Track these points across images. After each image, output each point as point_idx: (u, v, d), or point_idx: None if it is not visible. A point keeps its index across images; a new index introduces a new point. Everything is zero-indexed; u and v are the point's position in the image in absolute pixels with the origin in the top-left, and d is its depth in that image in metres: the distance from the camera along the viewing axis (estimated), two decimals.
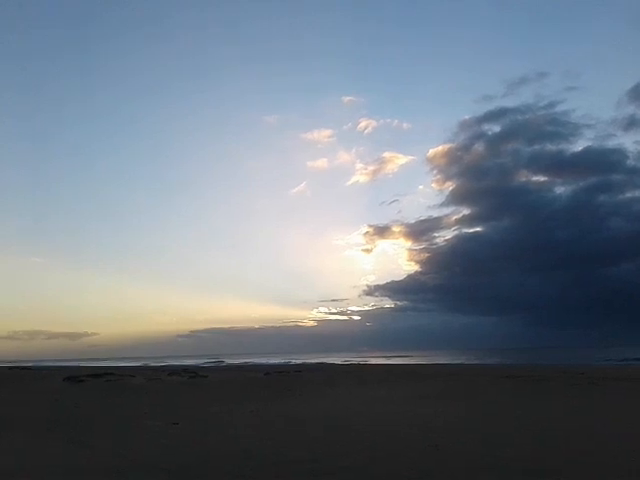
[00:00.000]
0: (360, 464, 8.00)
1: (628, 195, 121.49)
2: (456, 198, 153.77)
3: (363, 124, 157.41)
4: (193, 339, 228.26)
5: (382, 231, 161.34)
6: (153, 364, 73.70)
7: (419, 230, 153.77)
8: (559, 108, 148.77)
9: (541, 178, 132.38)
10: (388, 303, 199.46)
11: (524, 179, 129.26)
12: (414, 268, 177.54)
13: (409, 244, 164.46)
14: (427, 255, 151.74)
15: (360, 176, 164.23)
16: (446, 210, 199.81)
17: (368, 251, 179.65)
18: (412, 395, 19.29)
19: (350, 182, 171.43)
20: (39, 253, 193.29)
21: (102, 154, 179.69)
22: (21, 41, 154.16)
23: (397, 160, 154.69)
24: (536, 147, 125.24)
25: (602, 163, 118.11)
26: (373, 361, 70.79)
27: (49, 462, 8.51)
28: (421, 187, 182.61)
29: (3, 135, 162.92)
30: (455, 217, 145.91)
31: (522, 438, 10.01)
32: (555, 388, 21.20)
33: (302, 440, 10.21)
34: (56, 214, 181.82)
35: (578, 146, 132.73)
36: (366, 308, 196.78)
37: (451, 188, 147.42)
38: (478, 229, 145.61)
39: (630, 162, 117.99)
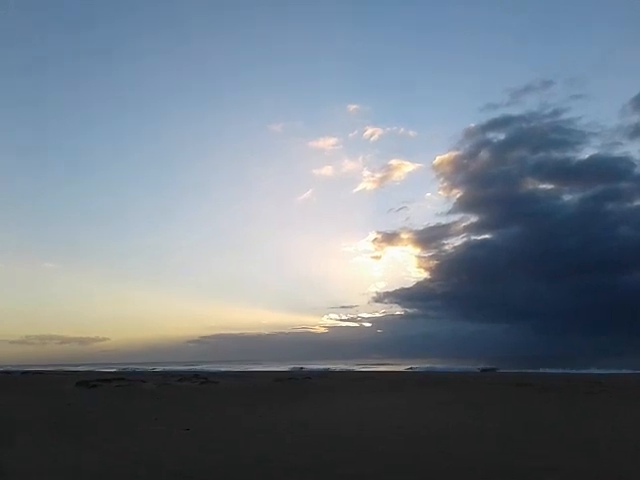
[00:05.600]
0: (367, 473, 7.99)
1: (636, 203, 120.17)
2: (463, 205, 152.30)
3: (369, 132, 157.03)
4: (203, 345, 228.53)
5: (391, 238, 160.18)
6: (164, 369, 74.02)
7: (428, 237, 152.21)
8: (564, 116, 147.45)
9: (548, 186, 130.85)
10: (398, 310, 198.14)
11: (531, 187, 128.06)
12: (423, 275, 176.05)
13: (418, 251, 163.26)
14: (436, 262, 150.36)
15: (367, 183, 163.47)
16: (454, 217, 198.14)
17: (377, 258, 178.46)
18: (422, 403, 19.20)
19: (357, 189, 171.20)
20: (51, 259, 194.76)
21: (111, 159, 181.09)
22: (22, 47, 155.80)
23: (404, 167, 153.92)
24: (542, 155, 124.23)
25: (609, 171, 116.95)
26: (384, 368, 70.44)
27: (59, 466, 8.60)
28: (429, 194, 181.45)
29: (13, 142, 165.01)
30: (463, 224, 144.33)
31: (528, 446, 9.94)
32: (569, 396, 20.96)
33: (312, 448, 10.18)
34: (67, 220, 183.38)
35: (584, 154, 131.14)
36: (376, 315, 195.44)
37: (458, 195, 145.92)
38: (486, 236, 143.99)
39: (637, 170, 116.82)
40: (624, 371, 46.06)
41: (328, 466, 8.32)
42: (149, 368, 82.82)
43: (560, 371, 48.76)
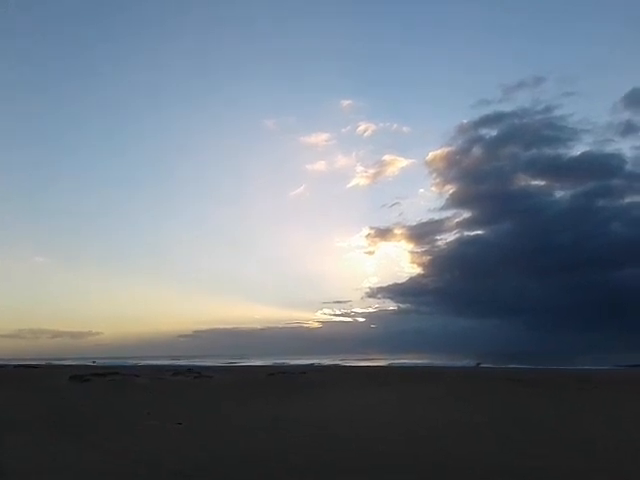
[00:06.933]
0: (367, 473, 8.04)
1: (627, 200, 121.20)
2: (456, 201, 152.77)
3: (362, 127, 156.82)
4: (195, 339, 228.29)
5: (384, 233, 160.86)
6: (157, 363, 73.74)
7: (421, 233, 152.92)
8: (556, 113, 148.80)
9: (540, 182, 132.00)
10: (391, 305, 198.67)
11: (523, 183, 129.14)
12: (416, 271, 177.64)
13: (411, 246, 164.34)
14: (429, 258, 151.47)
15: (360, 179, 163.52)
16: (447, 213, 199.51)
17: (370, 253, 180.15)
18: (417, 398, 19.28)
19: (350, 185, 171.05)
20: (43, 253, 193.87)
21: (104, 155, 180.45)
22: (23, 40, 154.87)
23: (397, 163, 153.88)
24: (534, 151, 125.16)
25: (601, 168, 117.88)
26: (378, 363, 70.66)
27: (55, 464, 8.58)
28: (422, 190, 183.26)
29: (5, 136, 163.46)
30: (456, 220, 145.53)
31: (527, 446, 10.02)
32: (561, 392, 21.13)
33: (311, 447, 10.22)
34: (59, 214, 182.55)
35: (576, 151, 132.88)
36: (370, 310, 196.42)
37: (451, 191, 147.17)
38: (479, 232, 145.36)
39: (629, 167, 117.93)
40: (614, 367, 46.55)
41: (329, 466, 8.35)
42: (131, 362, 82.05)
43: (551, 367, 49.12)
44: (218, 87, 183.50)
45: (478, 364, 57.14)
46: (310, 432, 11.72)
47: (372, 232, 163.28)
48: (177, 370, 42.46)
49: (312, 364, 63.90)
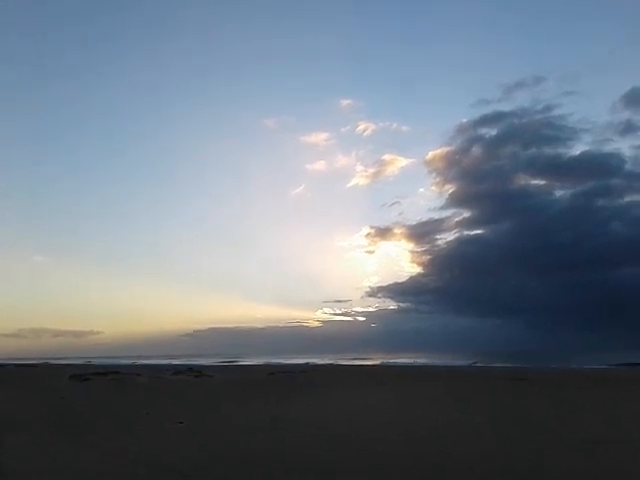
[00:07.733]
0: (361, 469, 8.04)
1: (627, 199, 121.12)
2: (456, 201, 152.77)
3: (362, 127, 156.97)
4: (197, 339, 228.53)
5: (384, 233, 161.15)
6: (158, 363, 73.74)
7: (421, 232, 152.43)
8: (556, 112, 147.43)
9: (540, 182, 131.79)
10: (391, 305, 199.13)
11: (523, 182, 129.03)
12: (416, 270, 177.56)
13: (411, 246, 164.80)
14: (429, 257, 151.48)
15: (360, 178, 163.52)
16: (447, 212, 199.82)
17: (371, 252, 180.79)
18: (416, 398, 19.26)
19: (350, 184, 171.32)
20: (42, 252, 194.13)
21: (104, 154, 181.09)
22: (23, 40, 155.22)
23: (397, 162, 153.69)
24: (533, 151, 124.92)
25: (600, 167, 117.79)
26: (378, 362, 70.66)
27: (58, 466, 8.56)
28: (422, 190, 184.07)
29: (5, 135, 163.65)
30: (456, 219, 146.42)
31: (527, 446, 10.01)
32: (559, 391, 21.12)
33: (305, 444, 10.22)
34: (59, 213, 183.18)
35: (576, 150, 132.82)
36: (370, 309, 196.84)
37: (451, 191, 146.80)
38: (478, 232, 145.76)
39: (628, 166, 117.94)
40: (614, 366, 46.53)
41: (328, 466, 8.34)
42: (129, 362, 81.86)
43: (550, 366, 49.09)
44: (218, 87, 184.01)
45: (473, 363, 57.12)
46: (310, 432, 11.71)
47: (372, 231, 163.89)
48: (178, 369, 42.51)
49: (312, 363, 63.92)
